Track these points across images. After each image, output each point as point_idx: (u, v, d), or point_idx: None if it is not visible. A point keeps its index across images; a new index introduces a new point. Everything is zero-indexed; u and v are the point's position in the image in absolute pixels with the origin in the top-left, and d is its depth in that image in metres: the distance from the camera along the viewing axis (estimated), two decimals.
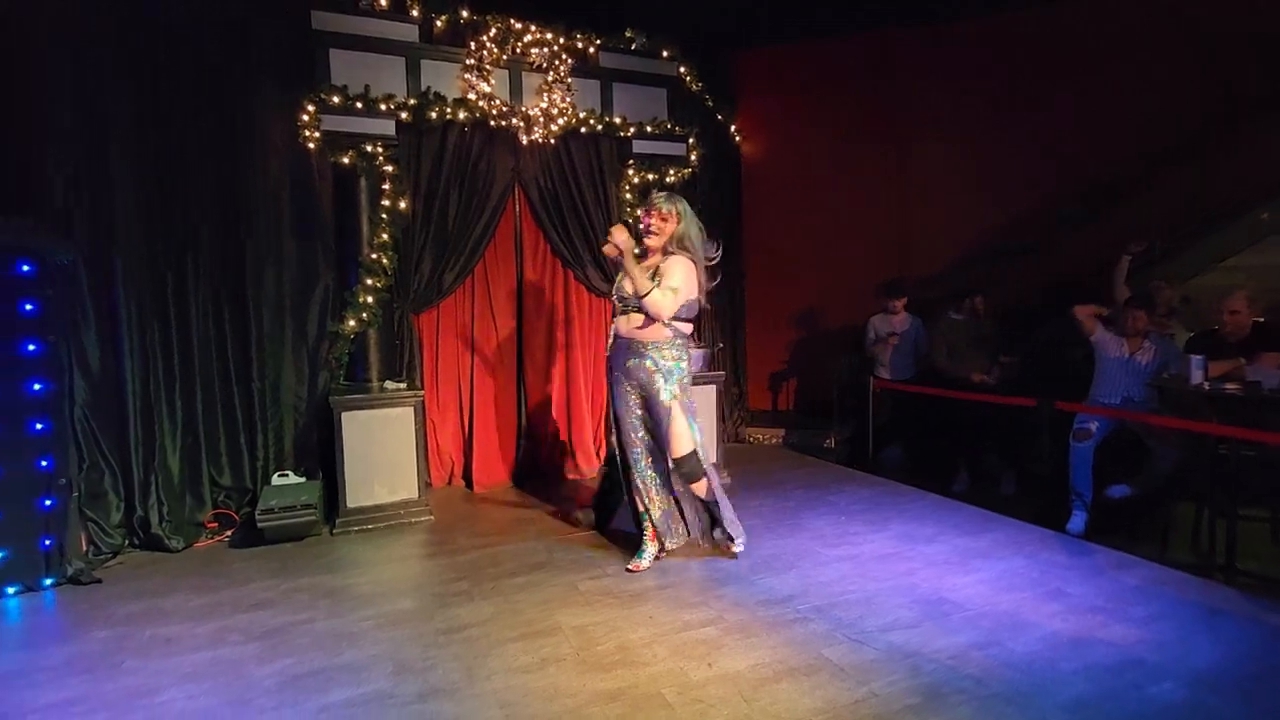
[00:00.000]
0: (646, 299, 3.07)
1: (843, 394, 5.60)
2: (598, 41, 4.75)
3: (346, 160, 4.14)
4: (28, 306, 3.10)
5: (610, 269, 4.93)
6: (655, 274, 3.13)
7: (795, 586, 3.03)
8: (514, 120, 4.47)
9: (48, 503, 3.13)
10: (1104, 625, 2.64)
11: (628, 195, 4.94)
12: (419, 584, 3.18)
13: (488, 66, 4.40)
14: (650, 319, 3.13)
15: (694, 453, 3.22)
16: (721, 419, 4.82)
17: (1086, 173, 5.25)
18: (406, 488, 4.00)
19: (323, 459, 4.05)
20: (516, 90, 4.55)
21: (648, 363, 3.17)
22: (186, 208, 3.80)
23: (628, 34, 4.87)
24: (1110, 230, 4.86)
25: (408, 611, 2.87)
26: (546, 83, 4.56)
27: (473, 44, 4.35)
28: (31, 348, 3.10)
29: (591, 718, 2.12)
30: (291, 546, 3.62)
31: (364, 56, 4.12)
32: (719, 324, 5.84)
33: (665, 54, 4.97)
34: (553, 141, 4.62)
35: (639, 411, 3.26)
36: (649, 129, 4.88)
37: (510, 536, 3.75)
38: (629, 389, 3.25)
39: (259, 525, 3.55)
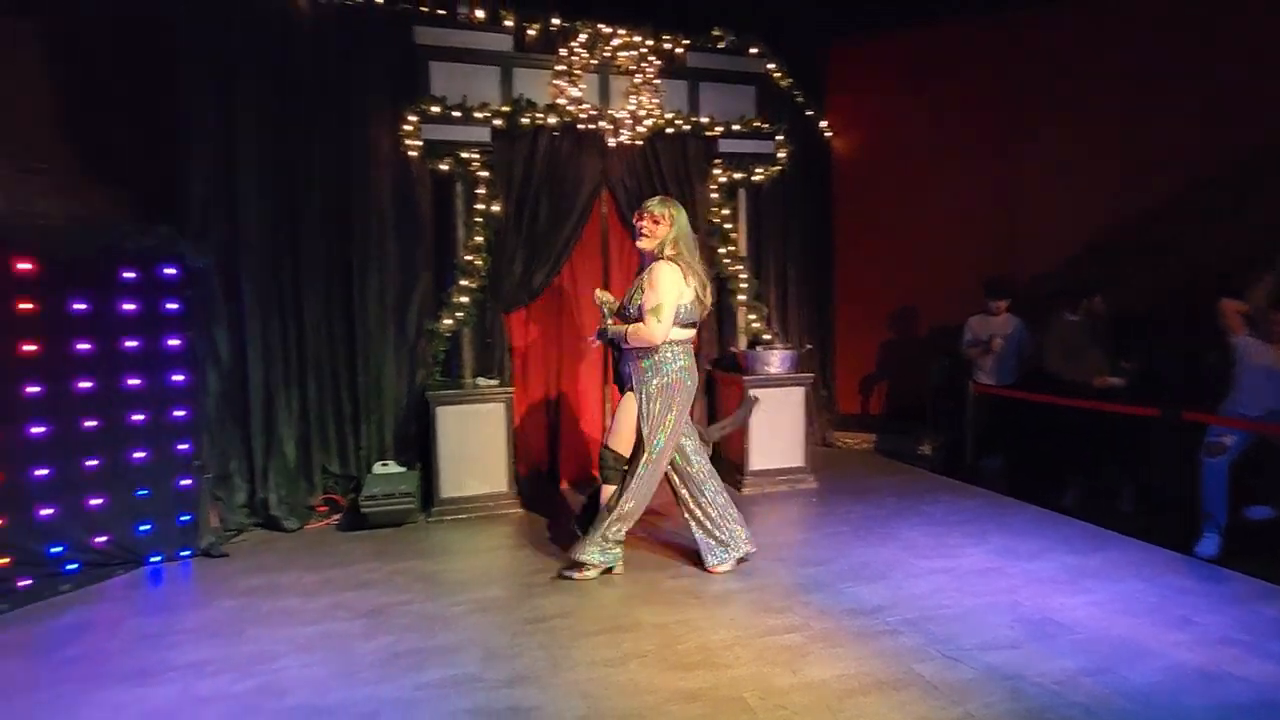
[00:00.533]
0: (631, 335, 3.03)
1: (938, 398, 5.34)
2: (685, 42, 4.75)
3: (444, 167, 4.34)
4: (171, 306, 3.45)
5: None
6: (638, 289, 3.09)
7: (885, 597, 2.92)
8: (602, 123, 4.54)
9: (185, 483, 3.47)
10: (1238, 660, 2.38)
11: (714, 195, 4.92)
12: (507, 573, 3.30)
13: (577, 71, 4.49)
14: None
15: (615, 454, 3.15)
16: (809, 422, 4.70)
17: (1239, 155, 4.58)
18: (497, 480, 4.15)
19: (420, 450, 4.27)
20: (605, 93, 4.63)
21: (643, 363, 3.10)
22: (302, 215, 4.11)
23: (715, 32, 4.85)
24: (1254, 225, 4.34)
25: (496, 599, 2.98)
26: (634, 85, 4.61)
27: (563, 50, 4.47)
28: (174, 343, 3.45)
29: (672, 716, 2.12)
30: (391, 531, 3.84)
31: (461, 68, 4.32)
32: (807, 324, 5.71)
33: (753, 51, 4.91)
34: (640, 143, 4.67)
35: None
36: (736, 127, 4.83)
37: None
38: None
39: (363, 510, 3.79)
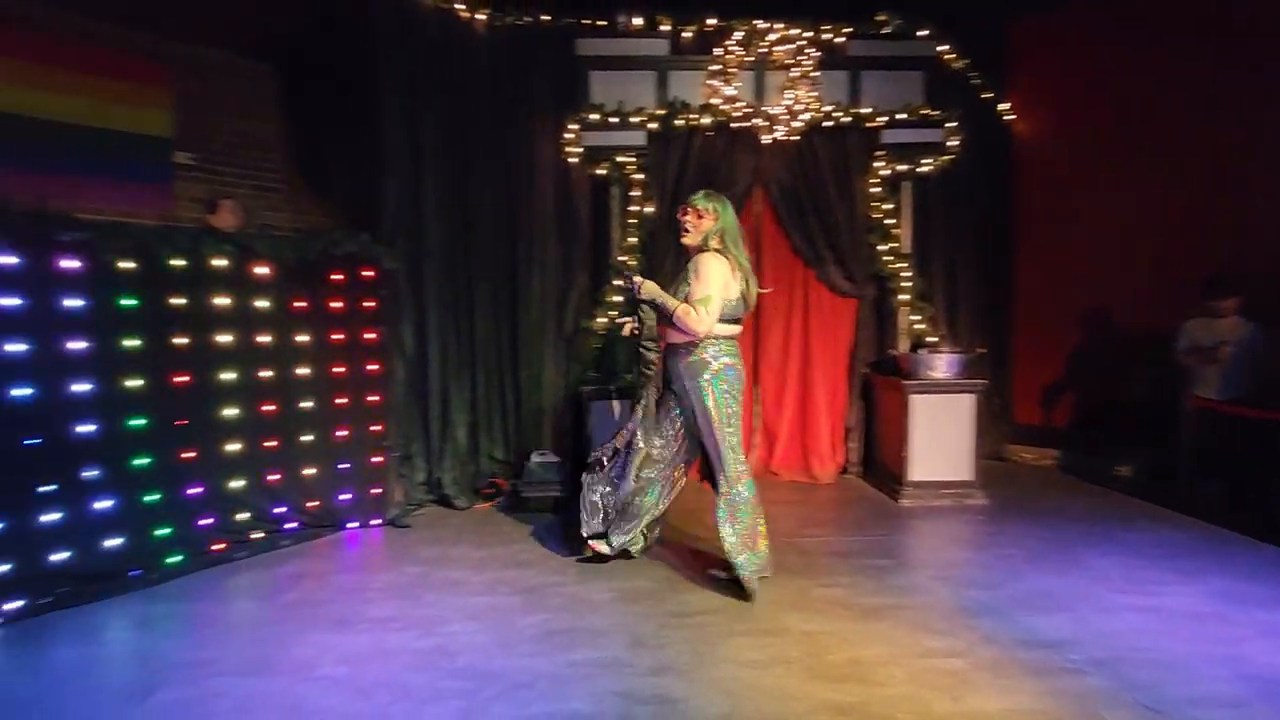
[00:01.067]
0: (678, 317, 2.89)
1: (1140, 412, 4.66)
2: (846, 30, 4.57)
3: (602, 171, 4.53)
4: (368, 304, 3.91)
5: (852, 269, 4.73)
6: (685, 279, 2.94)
7: (1068, 632, 2.60)
8: (756, 120, 4.49)
9: (377, 459, 3.93)
10: None
11: (875, 189, 4.68)
12: (652, 566, 3.36)
13: (732, 70, 4.48)
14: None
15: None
16: (979, 433, 4.31)
17: None
18: None
19: (573, 442, 4.49)
20: (760, 90, 4.58)
21: (689, 359, 2.98)
22: (475, 222, 4.48)
23: (879, 18, 4.60)
24: None
25: (642, 590, 3.05)
26: (790, 79, 4.51)
27: (717, 50, 4.48)
28: (370, 336, 3.92)
29: None
30: (548, 516, 4.06)
31: (619, 75, 4.48)
32: (979, 326, 5.24)
33: (921, 34, 4.60)
34: (796, 138, 4.55)
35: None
36: (901, 116, 4.56)
37: None
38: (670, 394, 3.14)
39: (521, 495, 4.06)
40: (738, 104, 4.48)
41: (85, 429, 2.94)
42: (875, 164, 4.66)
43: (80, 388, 2.92)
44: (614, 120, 4.40)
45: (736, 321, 3.02)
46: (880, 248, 4.69)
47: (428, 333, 4.31)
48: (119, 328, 3.04)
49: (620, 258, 4.47)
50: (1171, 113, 4.78)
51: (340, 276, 3.80)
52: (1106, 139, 5.02)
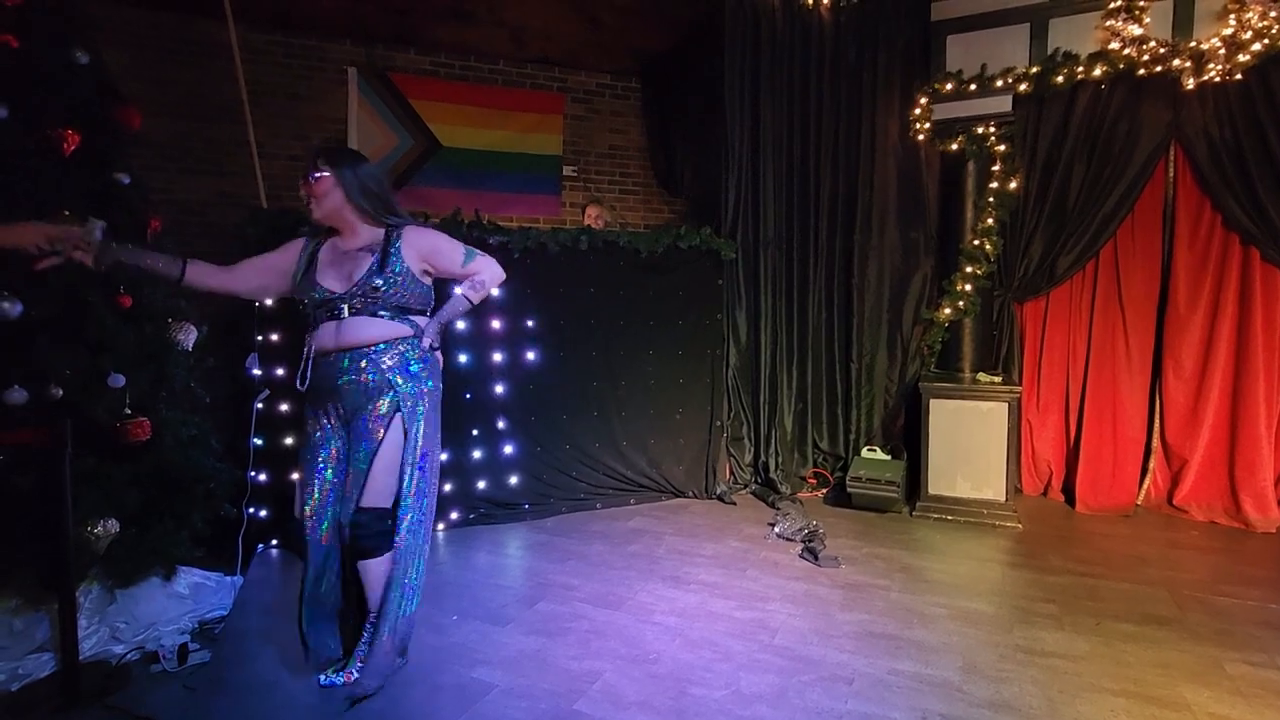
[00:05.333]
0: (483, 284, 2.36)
1: None
2: None
3: (955, 146, 4.08)
4: (710, 291, 4.20)
5: None
6: None
7: None
8: (1175, 62, 3.55)
9: (705, 437, 4.22)
10: None
11: None
12: (998, 590, 2.95)
13: (1142, 4, 3.61)
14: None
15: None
16: None
17: None
18: (993, 487, 3.74)
19: (907, 441, 4.18)
20: (1183, 23, 3.59)
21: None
22: (812, 209, 4.45)
23: None
24: None
25: (983, 614, 2.70)
26: (1234, 1, 3.44)
27: None
28: (706, 322, 4.22)
29: None
30: (873, 515, 3.87)
31: (981, 35, 3.96)
32: None
33: None
34: (1238, 78, 3.47)
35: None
36: None
37: (1121, 573, 3.08)
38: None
39: (848, 490, 3.93)
40: (1148, 45, 3.59)
41: (499, 390, 3.76)
42: None
43: (496, 357, 3.75)
44: (972, 88, 3.92)
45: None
46: None
47: (761, 320, 4.44)
48: (523, 311, 3.81)
49: (974, 242, 3.99)
50: None
51: (687, 267, 4.15)
52: None
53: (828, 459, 4.52)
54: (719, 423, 4.27)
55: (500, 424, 3.78)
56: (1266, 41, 3.38)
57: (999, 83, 3.87)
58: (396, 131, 4.90)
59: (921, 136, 4.16)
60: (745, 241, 4.41)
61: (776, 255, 4.45)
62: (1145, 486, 3.97)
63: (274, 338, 3.31)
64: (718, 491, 4.19)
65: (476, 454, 3.73)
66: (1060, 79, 3.76)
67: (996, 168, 3.96)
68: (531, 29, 4.90)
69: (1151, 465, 3.97)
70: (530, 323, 3.80)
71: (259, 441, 3.22)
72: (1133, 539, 3.51)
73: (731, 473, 4.39)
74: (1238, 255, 3.71)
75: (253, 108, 3.62)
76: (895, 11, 4.23)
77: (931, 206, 4.29)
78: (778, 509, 3.88)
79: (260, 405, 3.21)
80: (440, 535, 3.58)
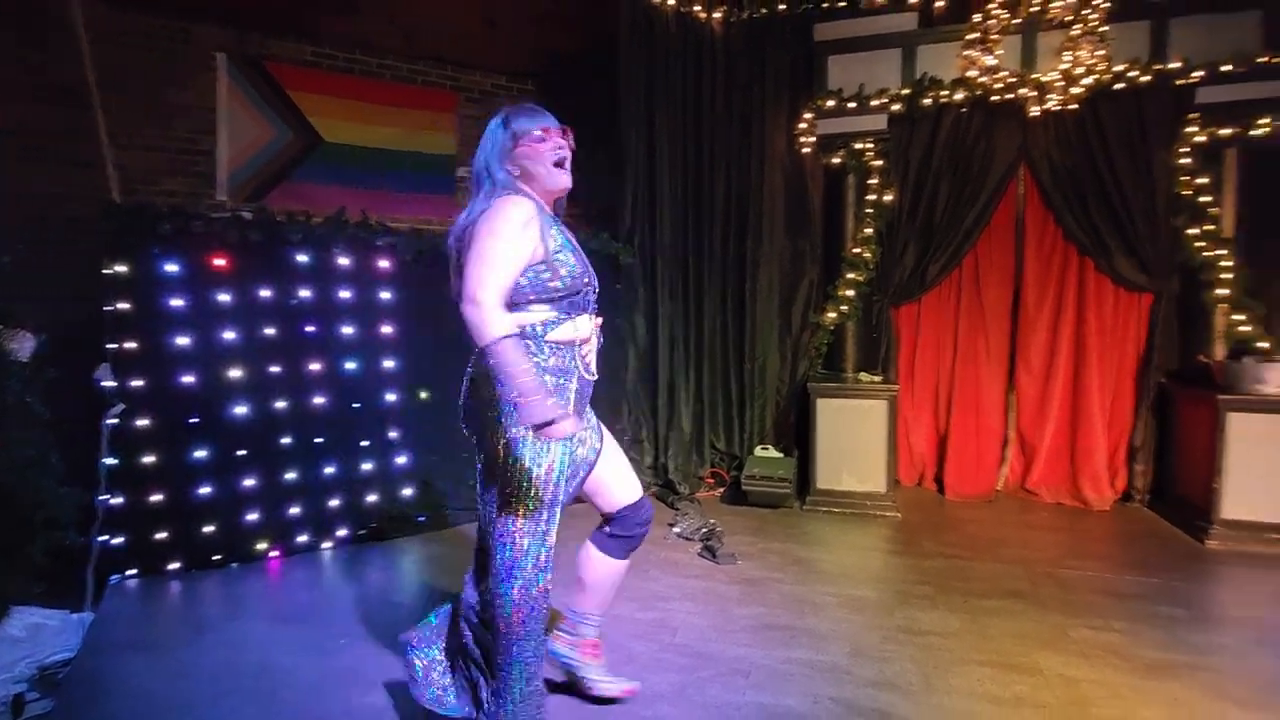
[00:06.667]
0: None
1: None
2: None
3: (837, 160, 4.34)
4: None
5: (1148, 257, 3.95)
6: None
7: None
8: (1022, 91, 3.95)
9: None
10: None
11: (1184, 160, 3.84)
12: (880, 576, 3.16)
13: (994, 37, 3.99)
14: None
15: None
16: None
17: None
18: (874, 480, 4.00)
19: (798, 439, 4.38)
20: (1029, 56, 4.01)
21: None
22: (706, 217, 4.59)
23: None
24: None
25: (868, 600, 2.88)
26: (1070, 39, 3.88)
27: (977, 15, 4.01)
28: (605, 326, 4.24)
29: None
30: (767, 511, 4.03)
31: (859, 57, 4.24)
32: None
33: None
34: (1073, 108, 3.92)
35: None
36: (1227, 69, 3.67)
37: (985, 554, 3.38)
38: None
39: (743, 488, 4.07)
40: (999, 75, 3.98)
41: (391, 398, 3.60)
42: (1187, 130, 3.82)
43: (387, 364, 3.59)
44: (852, 105, 4.19)
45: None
46: (1190, 231, 3.84)
47: (659, 323, 4.52)
48: (413, 315, 3.66)
49: (855, 250, 4.25)
50: None
51: None
52: None
53: (724, 458, 4.67)
54: (619, 426, 4.29)
55: (393, 434, 3.62)
56: (1095, 77, 3.84)
57: (875, 102, 4.16)
58: (273, 124, 4.58)
59: (807, 150, 4.39)
60: (643, 246, 4.47)
61: (674, 260, 4.55)
62: (1004, 474, 4.39)
63: (130, 345, 3.00)
64: None
65: (366, 466, 3.55)
66: (928, 101, 4.09)
67: (874, 181, 4.25)
68: (424, 25, 4.74)
69: (1009, 454, 4.39)
70: (424, 328, 3.67)
71: (113, 461, 2.91)
72: (994, 522, 3.87)
73: None
74: (1075, 265, 4.18)
75: (110, 92, 3.26)
76: (782, 30, 4.45)
77: (816, 216, 4.53)
78: (677, 509, 3.95)
79: (114, 421, 2.90)
80: (326, 554, 3.38)
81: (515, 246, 1.71)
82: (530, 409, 1.63)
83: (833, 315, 4.30)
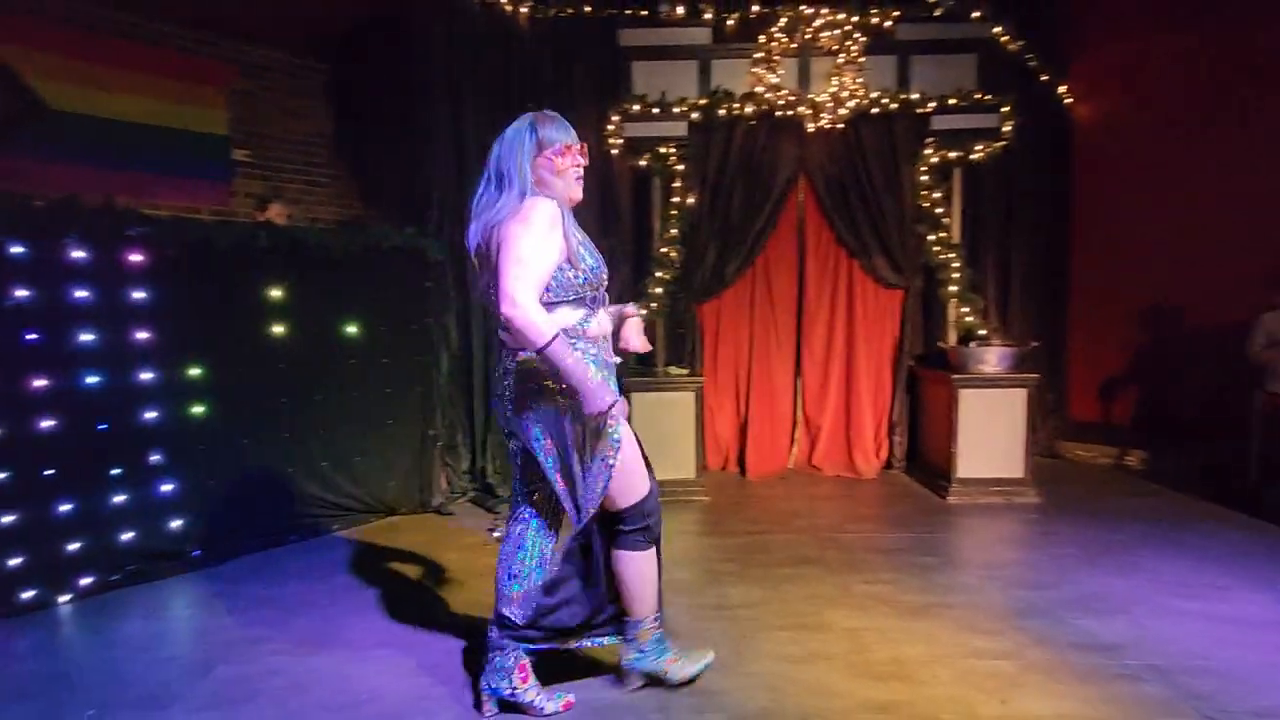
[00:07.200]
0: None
1: (1208, 410, 4.43)
2: (895, 14, 4.43)
3: (643, 162, 4.52)
4: (414, 295, 3.99)
5: (899, 259, 4.61)
6: None
7: (1123, 635, 2.50)
8: (800, 108, 4.41)
9: (418, 448, 4.02)
10: None
11: (924, 177, 4.54)
12: (693, 559, 3.36)
13: (776, 58, 4.41)
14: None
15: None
16: (1031, 429, 4.17)
17: None
18: (684, 468, 4.24)
19: None
20: (805, 78, 4.49)
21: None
22: None
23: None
24: None
25: (681, 582, 3.05)
26: (837, 66, 4.41)
27: (761, 37, 4.40)
28: (413, 327, 4.00)
29: None
30: None
31: (661, 65, 4.45)
32: (1034, 320, 5.06)
33: (975, 15, 4.43)
34: (841, 126, 4.46)
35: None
36: (953, 101, 4.41)
37: (781, 527, 3.74)
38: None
39: None
40: (781, 92, 4.40)
41: (151, 416, 3.08)
42: (925, 151, 4.53)
43: (145, 376, 3.06)
44: (655, 111, 4.38)
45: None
46: (929, 238, 4.56)
47: (472, 323, 4.38)
48: (181, 318, 3.16)
49: (662, 249, 4.45)
50: (1243, 95, 4.50)
51: (386, 269, 3.88)
52: (1174, 124, 4.75)
53: None
54: (433, 432, 4.09)
55: (154, 458, 3.10)
56: (857, 100, 4.39)
57: (676, 109, 4.38)
58: None
59: (615, 151, 4.51)
60: (453, 244, 4.29)
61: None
62: (794, 452, 4.89)
63: None
64: (434, 504, 4.03)
65: (120, 499, 3.00)
66: (722, 111, 4.40)
67: (677, 184, 4.48)
68: None
69: (798, 435, 4.90)
70: (192, 332, 3.19)
71: None
72: (787, 497, 4.30)
73: (448, 482, 4.25)
74: (846, 264, 4.78)
75: None
76: (589, 31, 4.51)
77: (626, 216, 4.68)
78: (496, 513, 3.87)
79: None
80: (66, 609, 2.82)
81: (549, 245, 1.86)
82: (593, 397, 1.81)
83: (643, 312, 4.45)
